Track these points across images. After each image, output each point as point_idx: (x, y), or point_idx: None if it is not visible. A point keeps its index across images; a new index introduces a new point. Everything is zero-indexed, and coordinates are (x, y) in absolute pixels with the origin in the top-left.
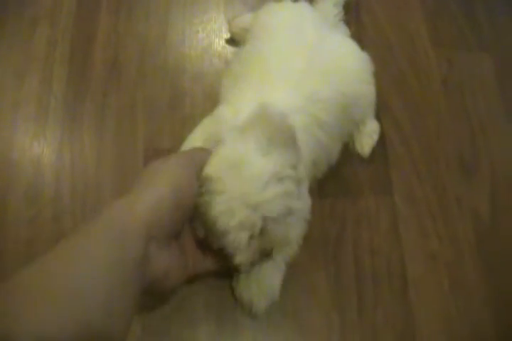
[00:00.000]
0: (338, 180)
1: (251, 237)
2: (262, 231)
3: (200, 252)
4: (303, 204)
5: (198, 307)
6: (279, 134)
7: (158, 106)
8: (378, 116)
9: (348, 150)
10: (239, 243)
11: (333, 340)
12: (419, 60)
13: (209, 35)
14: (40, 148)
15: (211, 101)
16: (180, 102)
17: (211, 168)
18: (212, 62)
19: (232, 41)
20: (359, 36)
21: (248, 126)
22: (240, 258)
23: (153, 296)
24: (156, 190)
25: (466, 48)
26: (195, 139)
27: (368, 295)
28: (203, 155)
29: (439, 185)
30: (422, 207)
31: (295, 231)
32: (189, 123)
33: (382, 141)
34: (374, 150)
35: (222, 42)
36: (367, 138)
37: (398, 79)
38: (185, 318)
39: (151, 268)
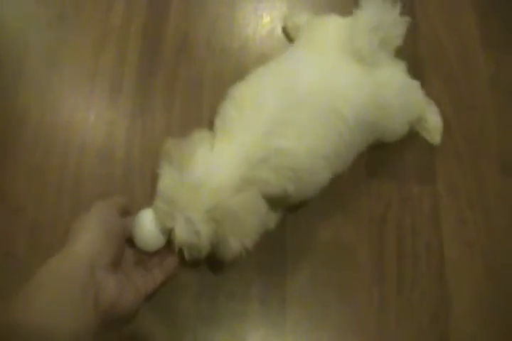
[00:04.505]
0: (386, 163)
1: None
2: None
3: (143, 271)
4: None
5: (251, 268)
6: None
7: (223, 83)
8: None
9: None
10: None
11: (372, 312)
12: (469, 60)
13: (273, 20)
14: (114, 115)
15: None
16: None
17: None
18: (275, 46)
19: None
20: (413, 35)
21: None
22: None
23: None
24: (87, 233)
25: None
26: None
27: (407, 273)
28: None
29: (481, 178)
30: (463, 198)
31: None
32: None
33: None
34: (423, 141)
35: None
36: (434, 132)
37: (448, 77)
38: (238, 276)
39: (103, 291)
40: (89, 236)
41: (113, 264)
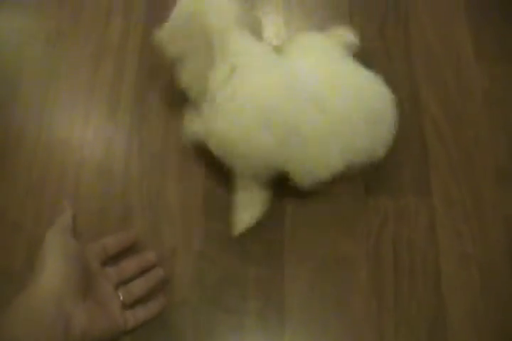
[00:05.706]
0: (382, 176)
1: None
2: None
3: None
4: None
5: (249, 281)
6: None
7: None
8: (421, 122)
9: (395, 150)
10: None
11: (371, 323)
12: (463, 72)
13: (268, 35)
14: (112, 131)
15: None
16: None
17: None
18: None
19: None
20: (407, 48)
21: None
22: None
23: None
24: (49, 263)
25: (509, 64)
26: None
27: (404, 285)
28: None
29: (476, 190)
30: (459, 210)
31: None
32: None
33: (423, 144)
34: (416, 153)
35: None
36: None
37: (441, 88)
38: (235, 290)
39: (73, 321)
40: (50, 267)
41: (83, 289)
